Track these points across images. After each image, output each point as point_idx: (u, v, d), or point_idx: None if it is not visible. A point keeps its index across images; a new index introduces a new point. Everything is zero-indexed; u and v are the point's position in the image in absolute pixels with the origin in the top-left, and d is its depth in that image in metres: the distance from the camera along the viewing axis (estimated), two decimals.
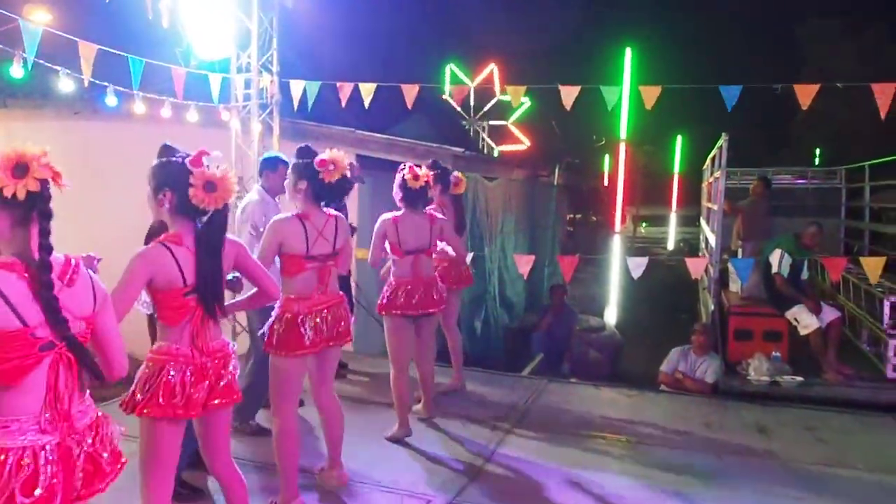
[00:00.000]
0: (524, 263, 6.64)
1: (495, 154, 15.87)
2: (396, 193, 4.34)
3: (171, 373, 2.47)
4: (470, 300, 5.51)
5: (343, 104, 6.66)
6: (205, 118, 6.83)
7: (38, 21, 6.10)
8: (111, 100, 5.98)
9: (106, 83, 5.75)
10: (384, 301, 4.33)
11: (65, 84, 5.53)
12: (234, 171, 3.05)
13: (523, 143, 16.73)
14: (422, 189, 4.30)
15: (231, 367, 2.63)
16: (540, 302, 11.20)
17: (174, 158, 2.49)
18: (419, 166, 4.38)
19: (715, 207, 8.18)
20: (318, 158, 3.30)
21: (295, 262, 3.29)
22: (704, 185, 12.08)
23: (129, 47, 5.87)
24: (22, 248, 1.88)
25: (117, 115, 6.69)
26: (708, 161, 11.07)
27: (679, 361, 6.51)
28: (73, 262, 1.97)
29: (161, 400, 2.44)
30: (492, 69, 15.88)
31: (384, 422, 4.53)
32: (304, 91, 6.81)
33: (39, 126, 7.96)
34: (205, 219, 2.51)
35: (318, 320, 3.32)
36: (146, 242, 3.23)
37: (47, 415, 1.88)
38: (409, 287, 4.30)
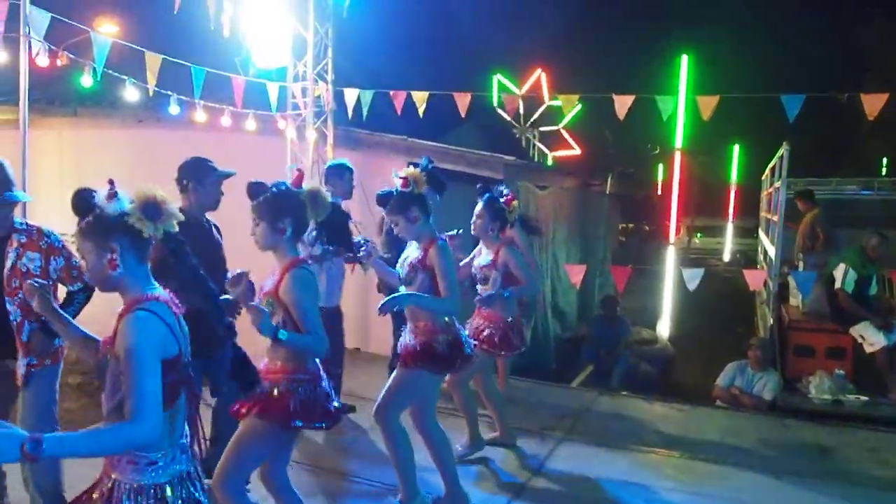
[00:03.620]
0: (576, 273, 6.60)
1: (548, 161, 15.74)
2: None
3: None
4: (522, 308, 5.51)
5: (399, 112, 6.73)
6: (262, 126, 6.98)
7: (106, 33, 6.34)
8: (174, 108, 6.15)
9: (169, 92, 5.92)
10: None
11: (130, 93, 5.72)
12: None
13: (576, 150, 16.60)
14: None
15: None
16: (591, 312, 11.05)
17: (278, 188, 2.62)
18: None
19: (774, 218, 7.94)
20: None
21: None
22: (763, 195, 11.74)
23: (192, 57, 6.05)
24: None
25: (179, 123, 6.87)
26: (767, 171, 10.77)
27: (736, 376, 6.36)
28: None
29: None
30: (539, 75, 15.79)
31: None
32: (358, 99, 6.92)
33: (106, 134, 8.24)
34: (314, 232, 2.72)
35: None
36: None
37: None
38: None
